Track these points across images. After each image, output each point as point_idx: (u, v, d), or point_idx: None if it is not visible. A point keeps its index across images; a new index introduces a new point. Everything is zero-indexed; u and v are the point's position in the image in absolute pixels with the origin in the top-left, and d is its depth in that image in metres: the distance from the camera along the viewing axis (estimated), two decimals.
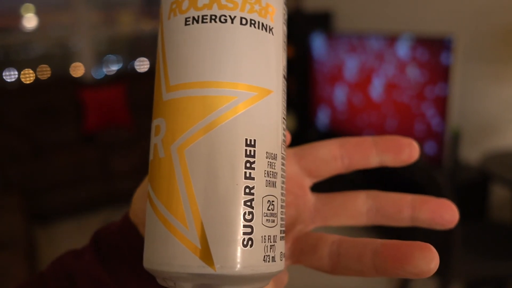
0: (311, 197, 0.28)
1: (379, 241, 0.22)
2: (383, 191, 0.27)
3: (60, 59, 3.58)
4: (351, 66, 2.63)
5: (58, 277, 0.27)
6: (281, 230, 0.21)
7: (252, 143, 0.20)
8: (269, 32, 0.21)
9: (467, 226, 1.62)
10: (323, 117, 2.98)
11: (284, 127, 0.23)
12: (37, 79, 3.40)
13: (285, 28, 0.23)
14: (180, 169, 0.20)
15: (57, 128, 3.05)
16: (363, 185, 2.31)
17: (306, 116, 3.15)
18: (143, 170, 2.89)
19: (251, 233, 0.19)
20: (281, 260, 0.21)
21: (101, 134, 3.09)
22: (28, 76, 3.36)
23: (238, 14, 0.20)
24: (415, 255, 0.20)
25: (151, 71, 3.63)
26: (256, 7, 0.21)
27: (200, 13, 0.20)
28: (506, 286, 1.75)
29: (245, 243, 0.19)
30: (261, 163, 0.20)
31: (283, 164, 0.22)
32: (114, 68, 3.71)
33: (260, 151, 0.20)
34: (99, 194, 2.90)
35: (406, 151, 0.26)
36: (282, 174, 0.22)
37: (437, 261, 0.20)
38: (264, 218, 0.20)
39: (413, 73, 2.21)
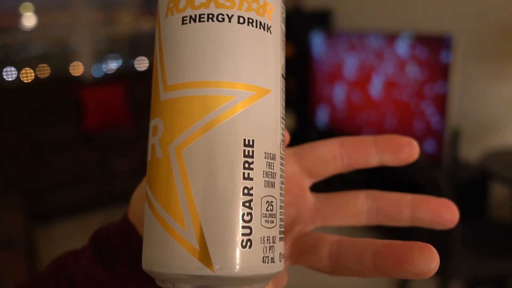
0: (310, 197, 0.28)
1: (379, 241, 0.22)
2: (383, 190, 0.27)
3: (60, 58, 3.58)
4: (351, 65, 2.63)
5: (58, 277, 0.27)
6: (280, 231, 0.21)
7: (251, 143, 0.20)
8: (267, 31, 0.21)
9: (466, 225, 1.62)
10: (322, 116, 2.98)
11: (283, 126, 0.23)
12: (36, 78, 3.40)
13: (283, 26, 0.23)
14: (178, 169, 0.19)
15: (56, 127, 3.05)
16: (363, 184, 2.31)
17: (305, 115, 3.15)
18: (143, 169, 2.87)
19: (250, 234, 0.19)
20: (280, 261, 0.21)
21: (101, 134, 3.08)
22: (27, 75, 3.36)
23: (235, 12, 0.20)
24: (415, 255, 0.20)
25: (151, 70, 3.59)
26: (254, 6, 0.21)
27: (197, 12, 0.20)
28: (506, 285, 1.75)
29: (244, 244, 0.19)
30: (259, 163, 0.20)
31: (282, 164, 0.22)
32: (113, 67, 3.70)
33: (258, 151, 0.20)
34: (99, 194, 2.90)
35: (406, 151, 0.26)
36: (281, 174, 0.22)
37: (437, 261, 0.20)
38: (263, 219, 0.20)
39: (413, 72, 2.21)
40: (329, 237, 0.25)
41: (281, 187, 0.22)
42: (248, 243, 0.19)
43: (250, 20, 0.21)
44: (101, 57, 3.61)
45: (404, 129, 2.32)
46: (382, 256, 0.21)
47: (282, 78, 0.23)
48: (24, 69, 3.35)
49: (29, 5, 3.34)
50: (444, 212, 0.25)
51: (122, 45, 3.87)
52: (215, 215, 0.19)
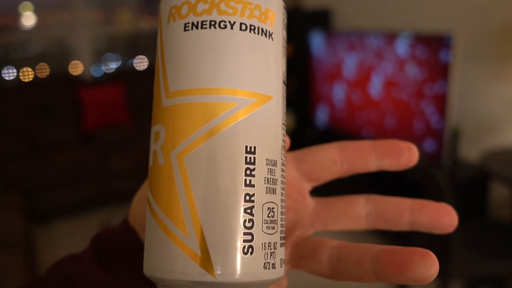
0: (310, 202, 0.28)
1: (379, 246, 0.22)
2: (382, 193, 0.27)
3: (59, 58, 3.58)
4: (350, 64, 2.63)
5: (58, 280, 0.27)
6: (281, 237, 0.21)
7: (252, 150, 0.20)
8: (269, 38, 0.21)
9: (466, 225, 1.62)
10: (322, 115, 2.98)
11: (284, 132, 0.23)
12: (36, 78, 3.40)
13: (284, 33, 0.23)
14: (180, 176, 0.20)
15: (56, 127, 3.05)
16: (363, 184, 2.31)
17: (305, 114, 3.15)
18: (142, 169, 2.89)
19: (251, 240, 0.19)
20: (281, 266, 0.21)
21: (100, 133, 3.08)
22: (27, 75, 3.36)
23: (237, 19, 0.20)
24: (415, 261, 0.20)
25: (150, 69, 3.62)
26: (256, 13, 0.21)
27: (200, 19, 0.20)
28: (506, 285, 1.75)
29: (245, 250, 0.19)
30: (261, 170, 0.20)
31: (283, 170, 0.22)
32: (113, 66, 3.70)
33: (260, 158, 0.20)
34: (98, 194, 2.90)
35: (405, 155, 0.26)
36: (282, 181, 0.22)
37: (437, 267, 0.20)
38: (264, 225, 0.20)
39: (412, 71, 2.21)
40: (329, 241, 0.25)
41: (282, 193, 0.22)
42: (250, 249, 0.19)
43: (252, 27, 0.21)
44: (100, 56, 3.61)
45: (403, 129, 2.32)
46: (382, 261, 0.21)
47: (283, 85, 0.23)
48: (23, 68, 3.35)
49: (28, 4, 3.34)
50: (443, 217, 0.25)
51: (121, 45, 3.87)
52: (216, 221, 0.19)
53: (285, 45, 0.23)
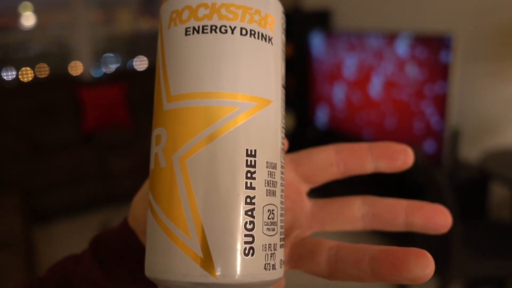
0: (307, 203, 0.28)
1: (376, 247, 0.22)
2: (383, 195, 0.27)
3: (59, 58, 3.58)
4: (350, 65, 2.63)
5: (58, 281, 0.27)
6: (280, 238, 0.22)
7: (253, 153, 0.20)
8: (269, 42, 0.22)
9: (466, 225, 1.62)
10: (322, 116, 2.98)
11: (283, 135, 0.23)
12: (35, 78, 3.40)
13: (283, 37, 0.24)
14: (182, 178, 0.20)
15: (55, 127, 3.05)
16: (363, 184, 2.31)
17: (305, 115, 3.15)
18: (142, 169, 2.89)
19: (252, 242, 0.20)
20: (280, 267, 0.21)
21: (100, 134, 3.08)
22: (26, 75, 3.36)
23: (238, 24, 0.21)
24: (411, 261, 0.20)
25: (150, 70, 3.62)
26: (256, 18, 0.21)
27: (201, 23, 0.21)
28: (506, 285, 1.75)
29: (246, 252, 0.19)
30: (261, 173, 0.21)
31: (282, 173, 0.23)
32: (112, 66, 3.70)
33: (260, 161, 0.21)
34: (98, 194, 2.90)
35: (401, 158, 0.26)
36: (281, 183, 0.22)
37: (433, 267, 0.20)
38: (265, 227, 0.20)
39: (413, 72, 2.21)
40: (327, 242, 0.25)
41: (281, 195, 0.22)
42: (251, 251, 0.20)
43: (252, 32, 0.21)
44: (100, 56, 3.61)
45: (403, 130, 2.32)
46: (379, 262, 0.22)
47: (282, 88, 0.23)
48: (23, 68, 3.35)
49: (28, 4, 3.34)
50: (437, 218, 0.25)
51: (121, 45, 3.87)
52: (218, 223, 0.19)
53: (284, 49, 0.24)
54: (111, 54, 3.71)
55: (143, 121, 3.17)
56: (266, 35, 0.22)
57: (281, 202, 0.22)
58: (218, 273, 0.19)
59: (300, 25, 2.98)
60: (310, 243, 0.26)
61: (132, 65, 3.73)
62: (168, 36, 0.22)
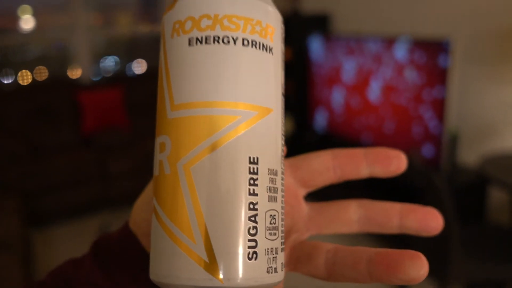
0: (305, 207, 0.29)
1: (373, 249, 0.23)
2: (382, 199, 0.28)
3: (58, 61, 3.58)
4: (349, 69, 2.64)
5: (58, 285, 0.27)
6: (281, 242, 0.22)
7: (255, 160, 0.21)
8: (269, 52, 0.22)
9: (465, 229, 1.62)
10: (321, 120, 2.98)
11: (283, 142, 0.24)
12: (34, 81, 3.40)
13: (283, 46, 0.24)
14: (187, 185, 0.20)
15: (54, 130, 3.05)
16: (363, 188, 2.31)
17: (304, 119, 3.15)
18: (141, 172, 2.89)
19: (255, 246, 0.20)
20: (282, 270, 0.22)
21: (98, 136, 3.08)
22: (25, 78, 3.36)
23: (240, 35, 0.21)
24: (406, 263, 0.21)
25: (149, 73, 3.63)
26: (257, 28, 0.22)
27: (204, 34, 0.21)
28: None
29: (250, 256, 0.20)
30: (263, 179, 0.21)
31: (282, 179, 0.23)
32: (111, 69, 3.70)
33: (262, 168, 0.21)
34: (96, 196, 2.90)
35: (394, 163, 0.27)
36: (282, 188, 0.23)
37: (427, 268, 0.21)
38: (267, 232, 0.21)
39: (411, 76, 2.22)
40: (324, 245, 0.26)
41: (282, 201, 0.23)
42: (254, 255, 0.20)
43: (254, 42, 0.22)
44: (99, 59, 3.61)
45: (402, 134, 2.33)
46: (375, 264, 0.22)
47: (282, 97, 0.24)
48: (22, 71, 3.35)
49: (27, 7, 3.34)
50: (429, 221, 0.26)
51: (120, 48, 3.87)
52: (223, 228, 0.20)
53: (283, 58, 0.24)
54: (110, 57, 3.72)
55: (142, 123, 3.17)
56: (266, 45, 0.22)
57: (282, 207, 0.23)
58: (223, 277, 0.19)
59: (299, 29, 2.99)
60: (308, 246, 0.26)
61: (131, 68, 3.74)
62: (171, 46, 0.22)
